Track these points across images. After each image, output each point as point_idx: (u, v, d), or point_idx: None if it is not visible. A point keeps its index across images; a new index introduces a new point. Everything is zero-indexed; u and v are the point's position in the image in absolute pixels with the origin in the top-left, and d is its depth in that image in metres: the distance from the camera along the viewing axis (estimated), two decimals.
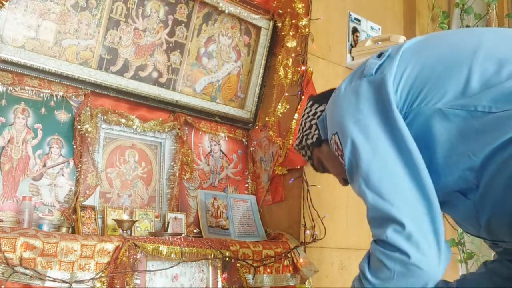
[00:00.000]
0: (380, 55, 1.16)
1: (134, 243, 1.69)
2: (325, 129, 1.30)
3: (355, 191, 1.15)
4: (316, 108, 1.40)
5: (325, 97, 1.40)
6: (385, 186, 1.06)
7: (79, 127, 2.03)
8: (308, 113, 1.43)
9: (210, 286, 1.85)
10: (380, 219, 1.06)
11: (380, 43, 2.45)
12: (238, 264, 1.91)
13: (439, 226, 1.03)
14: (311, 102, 1.44)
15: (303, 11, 2.37)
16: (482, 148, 1.00)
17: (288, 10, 2.45)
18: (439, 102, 1.04)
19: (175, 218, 2.18)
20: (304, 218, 2.20)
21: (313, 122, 1.40)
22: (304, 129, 1.43)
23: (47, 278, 1.48)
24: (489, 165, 1.00)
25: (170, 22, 2.26)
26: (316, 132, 1.38)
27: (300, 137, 1.46)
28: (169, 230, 2.09)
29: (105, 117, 2.13)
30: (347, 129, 1.12)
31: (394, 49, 1.16)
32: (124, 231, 1.86)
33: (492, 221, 1.05)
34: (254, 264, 1.96)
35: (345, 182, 1.44)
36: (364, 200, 1.10)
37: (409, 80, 1.09)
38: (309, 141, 1.41)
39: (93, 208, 1.96)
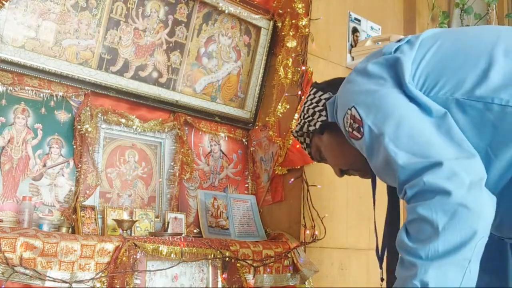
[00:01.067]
0: (398, 41, 1.17)
1: (134, 243, 1.69)
2: (333, 111, 1.27)
3: (377, 162, 1.08)
4: (320, 96, 1.40)
5: (330, 84, 1.40)
6: (417, 142, 0.99)
7: (79, 127, 2.03)
8: (311, 100, 1.42)
9: (210, 286, 1.85)
10: (415, 175, 0.95)
11: (380, 43, 2.45)
12: (238, 264, 1.91)
13: (482, 171, 0.95)
14: (314, 90, 1.44)
15: (303, 11, 2.37)
16: (499, 144, 0.99)
17: (288, 10, 2.45)
18: (457, 92, 1.03)
19: (175, 218, 2.18)
20: (304, 218, 2.20)
21: (316, 109, 1.39)
22: (306, 116, 1.42)
23: (47, 278, 1.48)
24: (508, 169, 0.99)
25: (170, 22, 2.26)
26: (320, 119, 1.37)
27: (301, 123, 1.44)
28: (169, 230, 2.09)
29: (105, 117, 2.13)
30: (367, 98, 1.10)
31: (413, 36, 1.17)
32: (124, 231, 1.86)
33: (504, 222, 1.04)
34: (254, 264, 1.96)
35: (341, 173, 1.44)
36: (393, 164, 1.00)
37: (427, 68, 1.08)
38: (311, 128, 1.40)
39: (93, 208, 1.96)
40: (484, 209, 0.91)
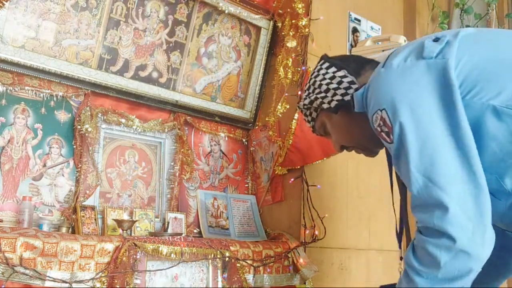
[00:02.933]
0: (436, 40, 1.14)
1: (134, 243, 1.69)
2: (363, 104, 1.24)
3: (399, 170, 1.14)
4: (334, 72, 1.35)
5: (344, 62, 1.37)
6: (436, 170, 1.04)
7: (79, 127, 2.03)
8: (323, 74, 1.38)
9: (210, 286, 1.85)
10: (427, 204, 1.05)
11: (380, 43, 2.45)
12: (238, 264, 1.91)
13: (486, 212, 1.03)
14: (327, 64, 1.39)
15: (303, 11, 2.37)
16: None
17: (288, 10, 2.45)
18: (494, 99, 1.04)
19: (175, 218, 2.18)
20: (304, 218, 2.20)
21: (330, 86, 1.35)
22: (318, 91, 1.37)
23: (47, 278, 1.48)
24: None
25: (170, 22, 2.26)
26: (335, 98, 1.33)
27: (311, 97, 1.40)
28: (169, 230, 2.09)
29: (105, 117, 2.13)
30: (400, 108, 1.09)
31: (450, 35, 1.14)
32: (124, 231, 1.86)
33: None
34: (254, 264, 1.96)
35: (341, 149, 1.43)
36: (409, 182, 1.08)
37: (464, 71, 1.08)
38: (325, 106, 1.36)
39: (93, 208, 1.96)
40: (482, 253, 1.03)
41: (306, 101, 1.43)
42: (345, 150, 1.46)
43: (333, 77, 1.36)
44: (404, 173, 1.11)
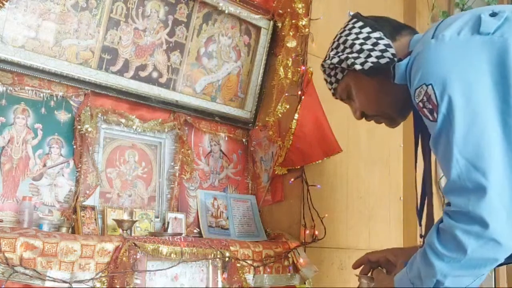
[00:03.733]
0: (494, 15, 1.06)
1: (134, 243, 1.69)
2: (406, 75, 1.17)
3: (437, 150, 1.09)
4: (369, 33, 1.29)
5: (379, 23, 1.31)
6: (480, 155, 1.00)
7: (79, 127, 2.03)
8: (357, 34, 1.30)
9: (210, 286, 1.85)
10: (465, 189, 1.01)
11: None
12: (238, 264, 1.91)
13: None
14: (360, 23, 1.32)
15: (303, 11, 2.37)
16: None
17: (288, 10, 2.45)
18: None
19: (175, 218, 2.18)
20: (304, 218, 2.20)
21: (365, 47, 1.27)
22: (349, 51, 1.30)
23: (47, 278, 1.48)
24: None
25: (170, 22, 2.26)
26: (370, 60, 1.26)
27: (341, 56, 1.32)
28: (169, 230, 2.09)
29: (105, 117, 2.13)
30: (450, 86, 1.03)
31: (510, 11, 1.07)
32: (124, 231, 1.86)
33: None
34: (254, 264, 1.96)
35: (361, 116, 1.37)
36: (450, 164, 1.03)
37: None
38: (358, 67, 1.28)
39: (93, 208, 1.96)
40: (509, 246, 1.00)
41: (334, 60, 1.34)
42: (363, 119, 1.39)
43: (367, 38, 1.29)
44: (444, 154, 1.06)
